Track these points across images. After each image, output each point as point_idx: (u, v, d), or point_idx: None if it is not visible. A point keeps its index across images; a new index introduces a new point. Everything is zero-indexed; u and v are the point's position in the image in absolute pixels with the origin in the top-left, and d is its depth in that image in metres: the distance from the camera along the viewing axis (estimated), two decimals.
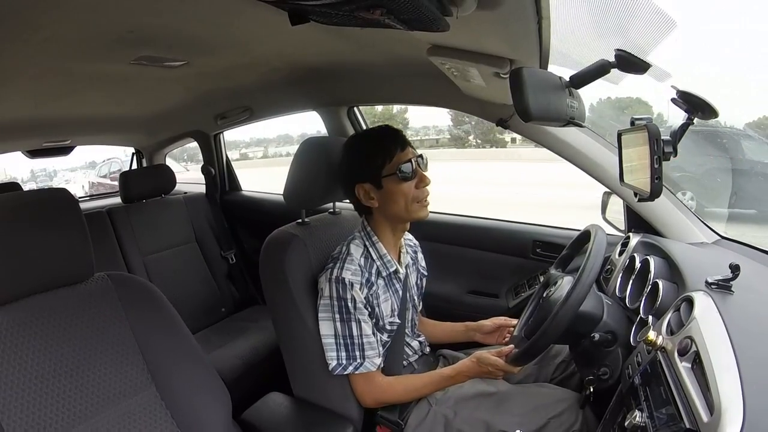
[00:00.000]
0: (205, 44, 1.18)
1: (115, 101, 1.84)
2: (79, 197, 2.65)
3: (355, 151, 1.11)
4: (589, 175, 1.32)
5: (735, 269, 0.79)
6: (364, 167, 1.07)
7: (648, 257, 1.06)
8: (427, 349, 1.27)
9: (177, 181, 2.30)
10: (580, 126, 1.00)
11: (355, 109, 1.87)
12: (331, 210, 1.33)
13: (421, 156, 1.09)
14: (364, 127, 1.87)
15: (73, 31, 1.00)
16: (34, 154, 2.44)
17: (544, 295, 1.07)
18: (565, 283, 1.02)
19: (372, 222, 1.13)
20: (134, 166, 2.80)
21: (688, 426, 0.58)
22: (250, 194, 2.60)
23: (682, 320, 0.77)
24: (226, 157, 2.56)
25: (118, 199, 2.25)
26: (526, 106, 0.75)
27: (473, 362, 1.04)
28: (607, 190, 1.37)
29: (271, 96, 1.87)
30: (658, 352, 0.74)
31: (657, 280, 0.96)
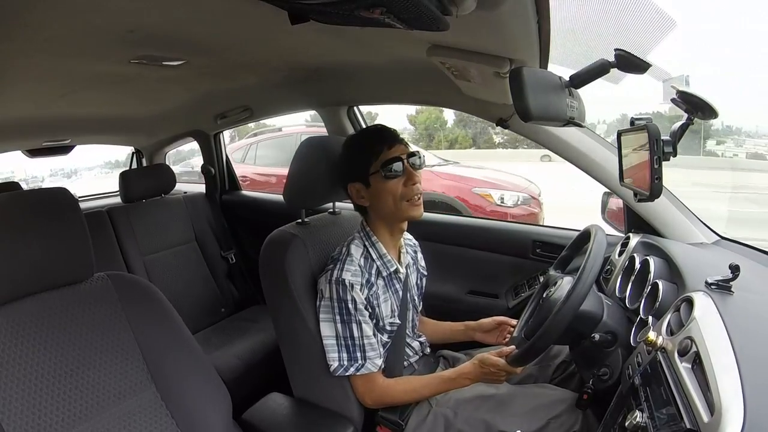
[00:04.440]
0: (205, 44, 1.18)
1: (114, 101, 1.84)
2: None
3: (347, 150, 1.12)
4: (588, 175, 1.32)
5: (735, 270, 0.79)
6: (353, 166, 1.08)
7: (648, 257, 1.06)
8: (428, 350, 1.27)
9: None
10: (580, 126, 1.00)
11: (355, 108, 1.87)
12: (331, 210, 1.33)
13: (413, 154, 1.08)
14: (364, 126, 1.87)
15: (73, 31, 0.99)
16: (33, 153, 2.44)
17: (544, 295, 1.07)
18: (565, 283, 1.02)
19: (370, 222, 1.13)
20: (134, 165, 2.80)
21: (688, 426, 0.58)
22: (249, 194, 2.60)
23: (682, 320, 0.77)
24: (226, 156, 2.56)
25: (117, 199, 2.25)
26: (525, 105, 0.75)
27: (475, 364, 1.04)
28: (607, 190, 1.38)
29: (270, 96, 1.86)
30: (659, 352, 0.74)
31: (657, 281, 0.96)
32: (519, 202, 3.91)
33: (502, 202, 3.86)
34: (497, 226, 1.75)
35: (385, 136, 1.07)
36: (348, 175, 1.10)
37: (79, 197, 2.56)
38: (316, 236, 1.18)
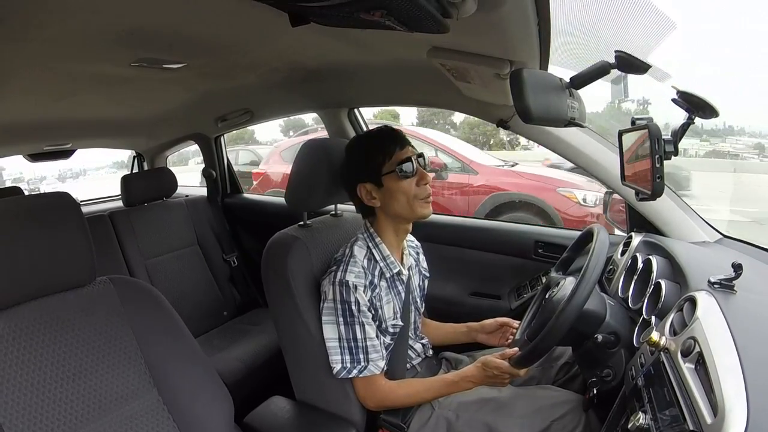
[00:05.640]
0: (205, 46, 1.18)
1: (115, 104, 1.84)
2: None
3: (356, 151, 1.12)
4: (590, 175, 1.33)
5: (737, 268, 0.79)
6: (365, 167, 1.08)
7: (650, 257, 1.06)
8: (430, 352, 1.27)
9: None
10: (581, 126, 1.00)
11: (356, 110, 1.87)
12: (333, 212, 1.33)
13: (421, 155, 1.10)
14: (365, 129, 1.87)
15: (74, 33, 1.00)
16: (35, 157, 2.45)
17: (547, 296, 1.07)
18: (568, 283, 1.02)
19: (375, 223, 1.13)
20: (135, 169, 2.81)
21: (691, 427, 0.58)
22: (251, 197, 2.60)
23: (685, 320, 0.76)
24: (227, 159, 2.57)
25: (119, 203, 2.25)
26: (526, 107, 0.76)
27: (478, 367, 1.03)
28: (609, 189, 1.37)
29: (271, 98, 1.87)
30: (662, 353, 0.73)
31: (659, 280, 0.95)
32: (597, 202, 3.92)
33: (585, 202, 3.88)
34: (499, 226, 1.75)
35: (397, 137, 1.08)
36: (358, 175, 1.10)
37: (81, 201, 2.57)
38: (318, 238, 1.18)
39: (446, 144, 4.43)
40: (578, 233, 1.18)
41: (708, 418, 0.56)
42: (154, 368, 0.89)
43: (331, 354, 1.05)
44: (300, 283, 1.09)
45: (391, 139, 1.08)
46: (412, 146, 1.10)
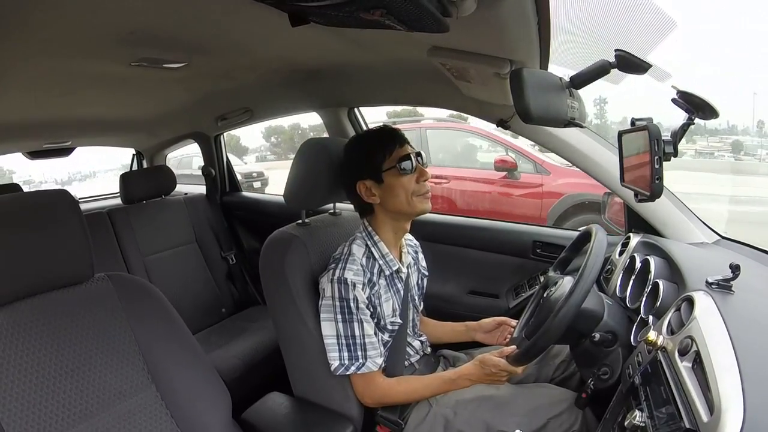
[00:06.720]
0: (205, 45, 1.18)
1: (115, 102, 1.84)
2: None
3: (356, 149, 1.13)
4: (589, 175, 1.33)
5: (735, 269, 0.79)
6: (365, 164, 1.09)
7: (648, 257, 1.06)
8: (429, 349, 1.27)
9: None
10: (581, 126, 1.00)
11: (356, 110, 1.87)
12: (332, 211, 1.33)
13: (419, 153, 1.11)
14: (365, 128, 1.87)
15: (74, 32, 1.00)
16: (34, 155, 2.44)
17: (545, 295, 1.07)
18: (566, 282, 1.02)
19: (373, 221, 1.13)
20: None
21: (688, 426, 0.58)
22: (250, 195, 2.60)
23: (683, 320, 0.77)
24: (227, 158, 2.57)
25: (118, 200, 2.25)
26: (526, 106, 0.76)
27: (476, 365, 1.04)
28: (608, 190, 1.38)
29: (271, 97, 1.87)
30: (659, 351, 0.74)
31: (657, 280, 0.96)
32: None
33: None
34: (497, 226, 1.75)
35: (396, 136, 1.10)
36: (358, 172, 1.11)
37: (80, 199, 2.57)
38: (317, 237, 1.19)
39: (516, 143, 4.37)
40: (576, 233, 1.19)
41: (704, 417, 0.56)
42: (152, 365, 0.89)
43: (329, 351, 1.05)
44: (298, 281, 1.09)
45: (390, 137, 1.09)
46: (411, 145, 1.11)
